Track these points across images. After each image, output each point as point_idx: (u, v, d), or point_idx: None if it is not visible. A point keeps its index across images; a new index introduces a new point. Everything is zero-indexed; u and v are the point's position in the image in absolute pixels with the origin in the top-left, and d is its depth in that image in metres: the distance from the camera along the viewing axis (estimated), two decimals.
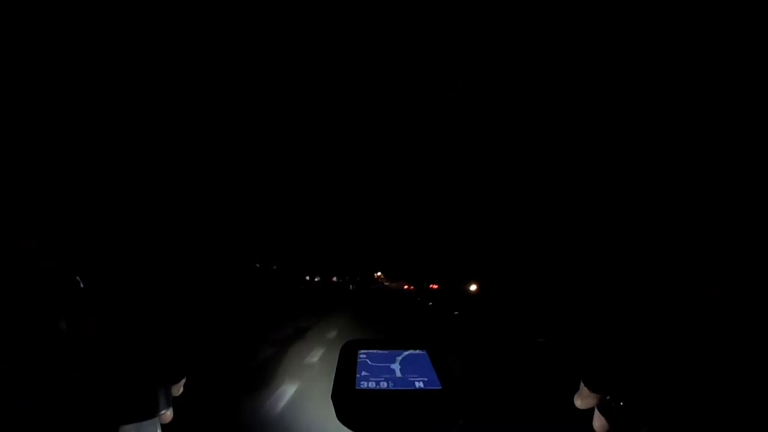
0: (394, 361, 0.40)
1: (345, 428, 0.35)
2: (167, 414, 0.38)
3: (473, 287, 28.95)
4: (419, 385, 0.36)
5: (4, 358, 0.27)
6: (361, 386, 0.36)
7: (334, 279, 50.15)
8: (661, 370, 0.34)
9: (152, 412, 0.36)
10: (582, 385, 0.39)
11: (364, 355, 0.41)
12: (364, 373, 0.37)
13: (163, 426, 0.38)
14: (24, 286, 0.26)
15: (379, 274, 64.61)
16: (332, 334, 7.21)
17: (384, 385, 0.36)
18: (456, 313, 14.36)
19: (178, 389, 0.41)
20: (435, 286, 33.30)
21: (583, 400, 0.39)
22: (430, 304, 18.87)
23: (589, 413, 0.39)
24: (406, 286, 43.98)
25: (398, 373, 0.38)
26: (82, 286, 0.30)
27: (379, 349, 0.42)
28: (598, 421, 0.38)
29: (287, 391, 3.51)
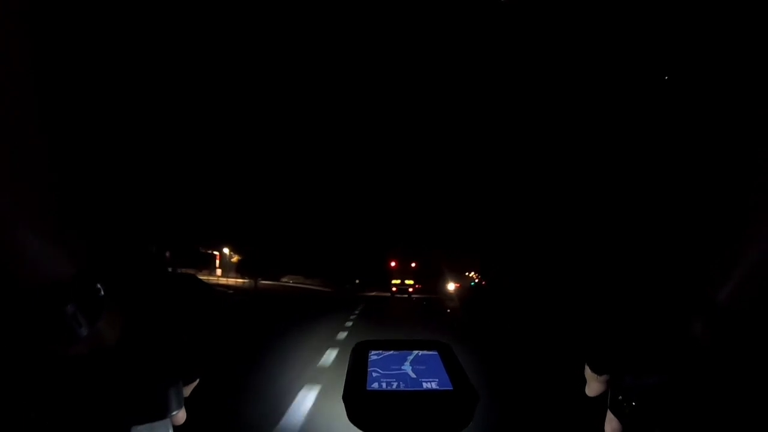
0: (405, 362, 0.40)
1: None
2: (180, 415, 0.38)
3: (452, 286, 27.29)
4: (431, 386, 0.36)
5: (9, 358, 0.27)
6: (373, 387, 0.35)
7: (286, 280, 32.72)
8: (666, 354, 0.33)
9: (165, 412, 0.36)
10: (587, 369, 0.38)
11: (375, 356, 0.41)
12: (375, 374, 0.37)
13: (176, 427, 0.38)
14: (35, 291, 0.26)
15: (393, 264, 40.76)
16: None
17: (395, 385, 0.36)
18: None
19: (188, 390, 0.41)
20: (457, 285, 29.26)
21: (589, 384, 0.39)
22: (448, 311, 14.85)
23: (601, 418, 0.39)
24: (411, 288, 32.06)
25: (410, 374, 0.38)
26: (102, 293, 0.29)
27: (390, 350, 0.42)
28: (610, 424, 0.37)
29: None
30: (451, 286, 28.61)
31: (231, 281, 31.96)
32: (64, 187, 0.27)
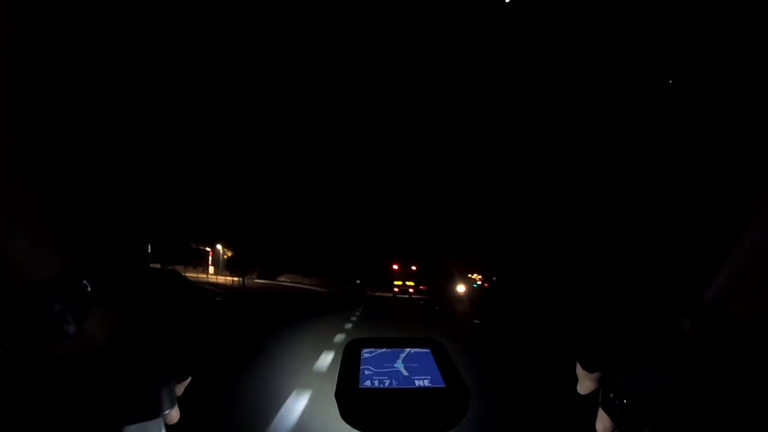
0: (397, 360, 0.40)
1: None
2: (173, 414, 0.37)
3: (462, 288, 27.13)
4: (423, 383, 0.36)
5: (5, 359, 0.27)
6: (365, 385, 0.35)
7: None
8: (659, 351, 0.32)
9: (157, 412, 0.35)
10: (578, 367, 0.38)
11: (368, 354, 0.41)
12: (367, 372, 0.37)
13: (168, 426, 0.38)
14: (24, 290, 0.26)
15: (395, 267, 40.29)
16: None
17: (388, 383, 0.36)
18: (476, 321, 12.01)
19: (180, 389, 0.40)
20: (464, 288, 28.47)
21: (580, 382, 0.39)
22: (476, 321, 12.55)
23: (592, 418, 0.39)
24: (412, 289, 32.49)
25: (402, 372, 0.37)
26: (89, 289, 0.29)
27: (383, 347, 0.42)
28: (602, 422, 0.37)
29: None
30: (461, 288, 28.27)
31: (221, 279, 31.59)
32: (57, 185, 0.27)
